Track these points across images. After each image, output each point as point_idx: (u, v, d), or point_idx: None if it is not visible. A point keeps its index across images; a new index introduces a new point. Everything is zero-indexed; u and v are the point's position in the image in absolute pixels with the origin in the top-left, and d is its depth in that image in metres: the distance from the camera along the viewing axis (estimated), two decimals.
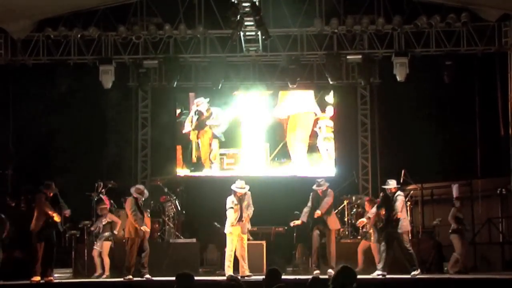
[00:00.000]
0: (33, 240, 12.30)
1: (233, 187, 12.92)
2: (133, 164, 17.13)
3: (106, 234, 13.64)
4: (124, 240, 13.26)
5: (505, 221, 14.79)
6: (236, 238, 12.78)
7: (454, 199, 14.14)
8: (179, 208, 15.12)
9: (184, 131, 16.86)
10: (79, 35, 15.10)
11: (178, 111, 16.99)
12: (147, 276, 12.71)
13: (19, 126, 15.99)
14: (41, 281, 12.16)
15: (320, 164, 16.69)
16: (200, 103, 16.88)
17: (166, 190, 15.21)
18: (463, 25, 14.85)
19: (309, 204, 13.23)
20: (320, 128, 16.74)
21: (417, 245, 13.76)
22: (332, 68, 15.60)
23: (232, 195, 12.89)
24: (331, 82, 15.84)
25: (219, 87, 15.93)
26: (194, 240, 14.60)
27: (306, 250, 14.42)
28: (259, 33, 14.89)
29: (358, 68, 16.17)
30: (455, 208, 13.67)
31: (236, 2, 13.61)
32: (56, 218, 12.28)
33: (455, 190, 14.54)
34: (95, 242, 13.68)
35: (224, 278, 11.67)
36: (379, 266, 12.64)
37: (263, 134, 16.90)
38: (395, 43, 15.29)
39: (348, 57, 15.68)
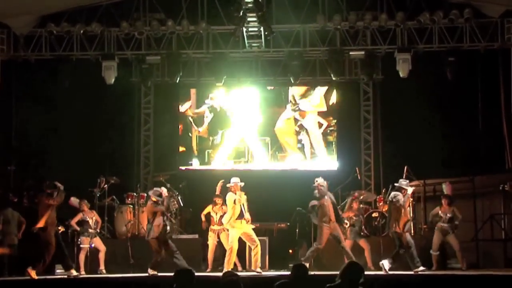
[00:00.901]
0: (45, 238, 12.36)
1: (232, 183, 12.90)
2: (135, 160, 17.15)
3: (93, 231, 13.64)
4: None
5: (508, 217, 14.76)
6: (239, 234, 12.78)
7: (442, 196, 14.17)
8: (182, 204, 15.13)
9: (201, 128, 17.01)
10: (81, 31, 15.08)
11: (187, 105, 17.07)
12: None
13: (21, 121, 15.98)
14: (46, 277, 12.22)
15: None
16: (215, 98, 17.01)
17: (168, 186, 15.21)
18: (466, 21, 14.82)
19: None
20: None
21: (419, 242, 13.78)
22: (334, 64, 15.59)
23: (232, 192, 12.86)
24: (333, 78, 15.85)
25: (222, 83, 15.95)
26: (196, 236, 14.62)
27: (308, 246, 14.43)
28: (262, 29, 14.89)
29: (361, 64, 16.17)
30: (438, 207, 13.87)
31: None
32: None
33: (446, 188, 14.53)
34: (82, 238, 13.59)
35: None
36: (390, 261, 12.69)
37: (261, 129, 17.04)
38: (398, 39, 15.26)
39: (351, 53, 15.63)
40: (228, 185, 13.02)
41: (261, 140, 17.07)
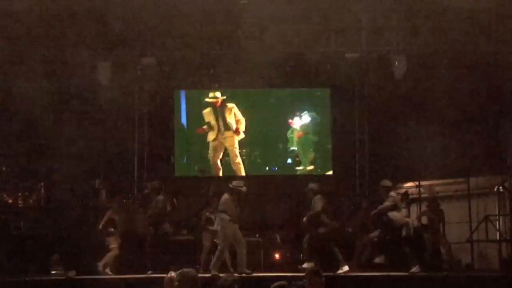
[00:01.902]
0: None
1: (235, 186, 12.86)
2: (130, 162, 17.09)
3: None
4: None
5: (502, 218, 14.82)
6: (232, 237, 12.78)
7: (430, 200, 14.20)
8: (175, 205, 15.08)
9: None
10: (76, 32, 15.06)
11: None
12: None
13: (16, 123, 15.94)
14: None
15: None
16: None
17: (163, 188, 15.18)
18: (462, 23, 14.87)
19: None
20: None
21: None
22: (329, 66, 15.62)
23: (229, 195, 12.82)
24: (328, 81, 15.90)
25: (217, 86, 15.98)
26: (192, 237, 14.60)
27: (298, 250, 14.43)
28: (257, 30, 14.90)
29: (356, 66, 16.17)
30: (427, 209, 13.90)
31: None
32: None
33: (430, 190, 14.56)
34: (111, 239, 13.41)
35: (222, 275, 11.71)
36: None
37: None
38: (394, 41, 15.30)
39: (346, 55, 15.66)
40: (231, 186, 12.98)
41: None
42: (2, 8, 14.05)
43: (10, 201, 14.30)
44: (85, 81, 15.77)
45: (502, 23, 14.92)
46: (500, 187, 14.71)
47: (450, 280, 12.20)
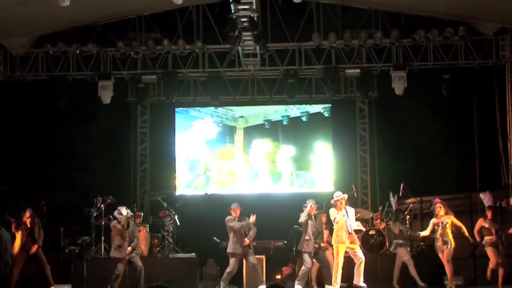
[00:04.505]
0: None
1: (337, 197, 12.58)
2: (132, 179, 17.10)
3: None
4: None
5: (505, 234, 14.71)
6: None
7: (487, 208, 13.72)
8: (178, 223, 15.07)
9: None
10: (78, 51, 15.19)
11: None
12: None
13: (18, 141, 15.98)
14: None
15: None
16: None
17: (165, 205, 15.19)
18: (461, 38, 14.95)
19: None
20: None
21: (416, 260, 13.69)
22: (330, 82, 15.67)
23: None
24: (329, 96, 15.93)
25: (218, 102, 16.01)
26: (193, 254, 14.57)
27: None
28: (257, 48, 14.95)
29: (356, 82, 16.22)
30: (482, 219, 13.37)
31: (234, 17, 13.65)
32: None
33: (486, 198, 14.19)
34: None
35: None
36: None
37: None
38: (393, 57, 15.37)
39: (346, 71, 15.71)
40: (334, 199, 12.57)
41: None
42: None
43: (12, 220, 14.25)
44: (86, 99, 15.86)
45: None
46: (502, 202, 14.63)
47: None
